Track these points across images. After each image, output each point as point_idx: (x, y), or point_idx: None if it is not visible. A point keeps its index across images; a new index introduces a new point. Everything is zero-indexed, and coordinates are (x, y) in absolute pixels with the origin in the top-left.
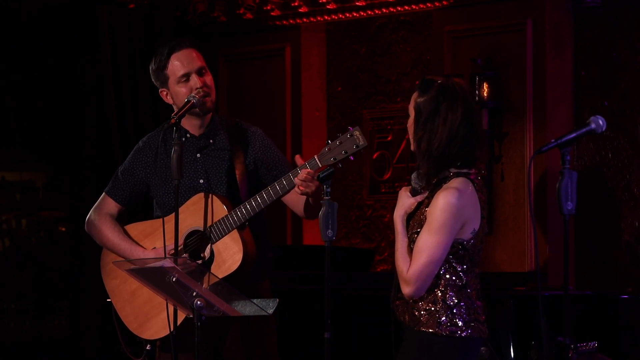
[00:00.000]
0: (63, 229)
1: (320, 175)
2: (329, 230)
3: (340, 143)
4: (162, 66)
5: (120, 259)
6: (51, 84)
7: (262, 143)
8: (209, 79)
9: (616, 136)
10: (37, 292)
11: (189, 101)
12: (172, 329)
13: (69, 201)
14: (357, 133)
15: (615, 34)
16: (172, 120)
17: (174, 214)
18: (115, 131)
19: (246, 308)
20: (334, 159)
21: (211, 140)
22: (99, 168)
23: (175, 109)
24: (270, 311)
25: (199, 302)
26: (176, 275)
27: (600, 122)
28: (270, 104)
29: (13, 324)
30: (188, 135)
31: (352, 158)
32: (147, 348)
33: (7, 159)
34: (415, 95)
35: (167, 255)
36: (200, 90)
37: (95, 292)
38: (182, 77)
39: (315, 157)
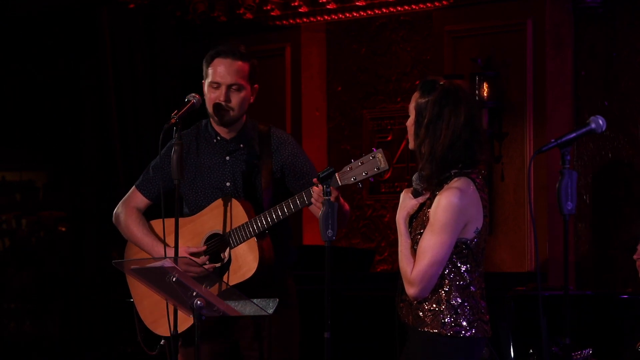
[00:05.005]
0: (63, 229)
1: (320, 175)
2: (329, 230)
3: (362, 163)
4: (207, 62)
5: (144, 253)
6: (51, 84)
7: (292, 151)
8: (238, 96)
9: (616, 136)
10: (37, 292)
11: (189, 101)
12: (172, 329)
13: (69, 201)
14: (379, 155)
15: (615, 34)
16: (172, 120)
17: (197, 214)
18: (115, 131)
19: (246, 308)
20: (354, 178)
21: (241, 145)
22: (99, 168)
23: (206, 105)
24: (270, 311)
25: (199, 302)
26: (176, 275)
27: (600, 122)
28: (270, 104)
29: (13, 324)
30: (219, 137)
31: (372, 180)
32: (162, 343)
33: (7, 159)
34: (416, 95)
35: (187, 255)
36: (220, 104)
37: (95, 292)
38: (213, 82)
39: (337, 175)
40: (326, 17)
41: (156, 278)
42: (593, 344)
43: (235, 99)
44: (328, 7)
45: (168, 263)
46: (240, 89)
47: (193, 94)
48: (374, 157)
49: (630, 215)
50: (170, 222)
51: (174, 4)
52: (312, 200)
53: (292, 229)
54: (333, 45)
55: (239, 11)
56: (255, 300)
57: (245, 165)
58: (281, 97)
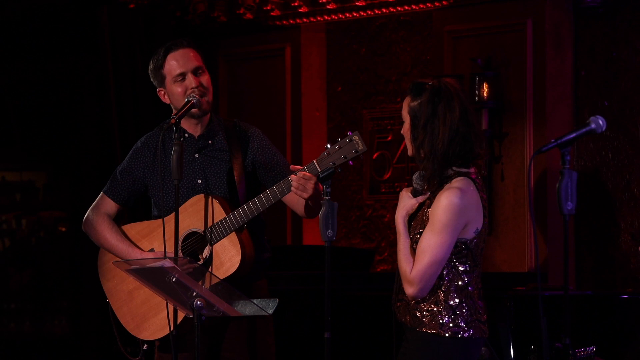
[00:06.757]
0: (63, 229)
1: (320, 175)
2: (329, 230)
3: (340, 148)
4: (159, 65)
5: (118, 259)
6: (51, 84)
7: (261, 144)
8: (205, 79)
9: (616, 136)
10: (37, 292)
11: (189, 101)
12: (172, 329)
13: (69, 201)
14: (356, 138)
15: (615, 34)
16: (172, 121)
17: (173, 214)
18: (115, 131)
19: (246, 308)
20: (333, 163)
21: (210, 141)
22: (99, 168)
23: (173, 109)
24: (270, 311)
25: (199, 302)
26: (176, 275)
27: (600, 122)
28: (270, 104)
29: (13, 324)
30: (187, 135)
31: (351, 163)
32: (144, 348)
33: (7, 159)
34: (407, 100)
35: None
36: (196, 89)
37: (95, 292)
38: (177, 76)
39: (315, 162)
40: (326, 17)
41: (156, 278)
42: (593, 344)
43: (205, 81)
44: (328, 7)
45: (168, 263)
46: (204, 71)
47: (193, 94)
48: (351, 141)
49: (630, 216)
50: (145, 224)
51: (174, 4)
52: (292, 188)
53: (292, 229)
54: (333, 45)
55: (239, 11)
56: (255, 300)
57: (215, 161)
58: (281, 97)
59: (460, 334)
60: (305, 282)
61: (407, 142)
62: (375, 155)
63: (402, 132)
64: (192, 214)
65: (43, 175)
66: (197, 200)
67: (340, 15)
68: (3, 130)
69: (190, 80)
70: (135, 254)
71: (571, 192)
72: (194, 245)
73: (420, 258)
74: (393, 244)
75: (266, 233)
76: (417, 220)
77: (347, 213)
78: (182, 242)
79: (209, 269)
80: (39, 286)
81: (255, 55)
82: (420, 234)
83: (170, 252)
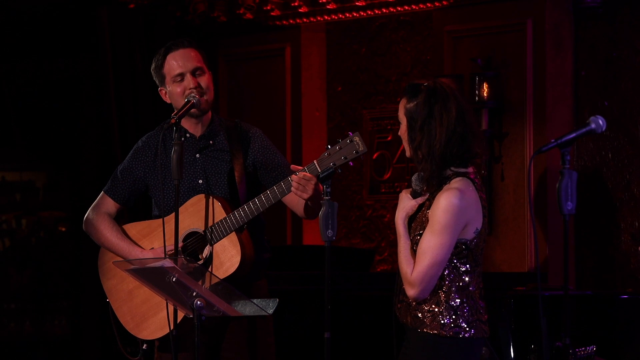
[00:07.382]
0: (63, 229)
1: (320, 175)
2: (329, 230)
3: (340, 148)
4: (159, 65)
5: (119, 258)
6: (51, 84)
7: (262, 144)
8: (205, 79)
9: (616, 136)
10: (37, 292)
11: (189, 101)
12: (172, 328)
13: (69, 201)
14: (357, 139)
15: (615, 34)
16: (172, 120)
17: (173, 214)
18: (115, 131)
19: (246, 308)
20: (333, 164)
21: (211, 141)
22: (99, 168)
23: (174, 108)
24: (270, 311)
25: (199, 302)
26: (176, 275)
27: (600, 122)
28: (270, 104)
29: (13, 324)
30: (188, 135)
31: (351, 164)
32: (144, 347)
33: (7, 159)
34: (404, 101)
35: (166, 256)
36: (194, 90)
37: (95, 292)
38: (176, 76)
39: (315, 162)
40: (326, 17)
41: (156, 278)
42: (593, 344)
43: (204, 81)
44: (328, 7)
45: (168, 263)
46: (203, 72)
47: (193, 94)
48: (351, 141)
49: (630, 216)
50: (145, 224)
51: (174, 4)
52: (292, 189)
53: (292, 229)
54: (333, 45)
55: (239, 11)
56: (255, 300)
57: (216, 162)
58: (281, 97)
59: (461, 334)
60: (305, 282)
61: (405, 143)
62: (375, 156)
63: (399, 133)
64: (193, 214)
65: (43, 175)
66: (198, 200)
67: (340, 15)
68: (3, 130)
69: (189, 81)
70: (136, 252)
71: (571, 192)
72: (194, 245)
73: (420, 259)
74: (393, 244)
75: (266, 233)
76: (417, 222)
77: (347, 213)
78: (182, 242)
79: (209, 269)
80: (39, 286)
81: (255, 55)
82: (420, 235)
83: (171, 251)
